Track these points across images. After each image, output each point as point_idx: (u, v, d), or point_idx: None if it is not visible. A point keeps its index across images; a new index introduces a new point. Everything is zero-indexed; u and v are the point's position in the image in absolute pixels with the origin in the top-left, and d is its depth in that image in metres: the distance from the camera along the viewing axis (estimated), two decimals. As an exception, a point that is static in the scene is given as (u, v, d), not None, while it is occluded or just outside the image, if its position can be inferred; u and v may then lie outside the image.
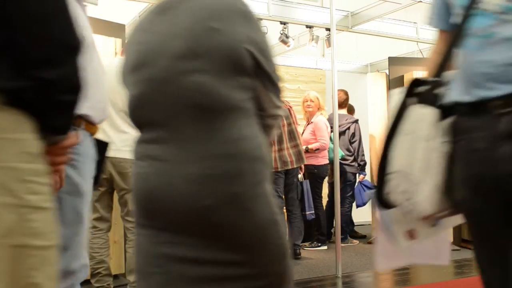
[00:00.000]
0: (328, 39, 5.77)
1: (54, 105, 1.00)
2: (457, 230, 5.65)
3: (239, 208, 1.35)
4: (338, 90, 6.13)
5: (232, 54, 1.35)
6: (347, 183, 6.15)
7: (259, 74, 1.41)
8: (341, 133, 5.99)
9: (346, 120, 6.20)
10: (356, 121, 6.28)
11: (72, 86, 1.02)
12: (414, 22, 6.49)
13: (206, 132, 1.35)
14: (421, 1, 5.51)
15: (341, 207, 5.94)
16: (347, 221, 6.26)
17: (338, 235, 4.46)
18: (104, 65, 1.88)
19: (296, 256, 5.14)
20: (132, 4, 5.35)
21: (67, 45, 0.99)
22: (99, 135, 3.25)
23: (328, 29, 5.69)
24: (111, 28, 4.15)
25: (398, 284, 4.19)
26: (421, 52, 6.77)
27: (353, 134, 6.21)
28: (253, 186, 1.37)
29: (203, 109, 1.35)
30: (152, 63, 1.39)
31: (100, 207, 3.33)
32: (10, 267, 0.90)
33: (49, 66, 0.96)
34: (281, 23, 5.83)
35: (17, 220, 0.91)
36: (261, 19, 5.70)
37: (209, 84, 1.34)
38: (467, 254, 5.28)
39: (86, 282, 3.72)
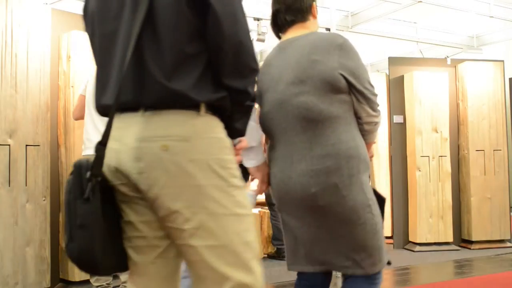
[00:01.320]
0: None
1: (241, 110, 1.33)
2: (457, 230, 5.65)
3: (338, 195, 1.80)
4: None
5: (329, 79, 1.79)
6: None
7: (353, 91, 1.84)
8: None
9: None
10: None
11: (253, 97, 1.33)
12: (414, 22, 6.49)
13: (312, 138, 1.82)
14: (421, 1, 5.51)
15: None
16: None
17: (338, 235, 4.47)
18: None
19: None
20: (132, 4, 5.37)
21: (253, 67, 1.31)
22: (93, 135, 3.28)
23: (328, 29, 5.70)
24: (111, 28, 4.16)
25: (398, 284, 4.18)
26: (421, 52, 6.76)
27: None
28: (348, 178, 1.80)
29: (309, 121, 1.82)
30: (274, 88, 1.89)
31: None
32: (232, 231, 1.25)
33: (243, 80, 1.29)
34: (281, 23, 5.84)
35: (227, 196, 1.24)
36: (261, 19, 5.70)
37: (312, 102, 1.81)
38: (467, 254, 5.28)
39: (85, 281, 3.72)
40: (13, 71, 3.46)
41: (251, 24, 5.81)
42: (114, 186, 1.29)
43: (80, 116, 3.44)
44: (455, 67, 5.78)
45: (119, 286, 3.35)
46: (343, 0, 6.02)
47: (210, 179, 1.22)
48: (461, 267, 4.71)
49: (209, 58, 1.25)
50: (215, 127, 1.27)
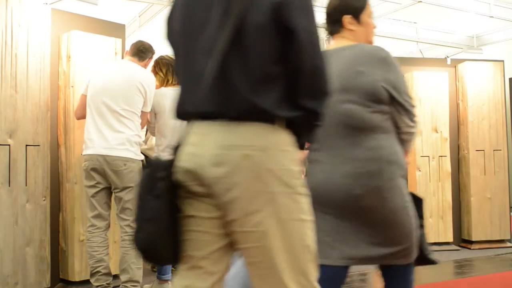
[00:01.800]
0: (328, 39, 5.78)
1: (308, 128, 1.45)
2: (457, 230, 5.65)
3: (379, 197, 1.94)
4: None
5: (372, 90, 1.91)
6: None
7: (393, 103, 1.99)
8: None
9: None
10: None
11: (322, 117, 1.44)
12: (414, 22, 6.49)
13: (355, 143, 1.94)
14: (421, 1, 5.51)
15: None
16: None
17: (338, 235, 4.46)
18: None
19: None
20: (132, 4, 5.36)
21: (326, 91, 1.41)
22: (94, 134, 3.28)
23: (328, 29, 5.70)
24: (111, 28, 4.16)
25: (398, 284, 4.18)
26: (421, 52, 6.76)
27: None
28: (389, 181, 1.95)
29: (352, 127, 1.95)
30: None
31: (98, 204, 3.34)
32: (295, 235, 1.36)
33: (316, 102, 1.40)
34: (281, 23, 5.84)
35: (294, 203, 1.37)
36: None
37: (355, 110, 1.95)
38: (467, 254, 5.28)
39: (85, 281, 3.72)
40: (13, 71, 3.46)
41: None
42: (182, 184, 1.40)
43: (82, 116, 3.45)
44: (455, 67, 5.78)
45: (119, 286, 3.35)
46: (343, 0, 6.01)
47: (281, 187, 1.35)
48: (461, 267, 4.71)
49: (288, 80, 1.37)
50: (288, 141, 1.40)
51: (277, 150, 1.36)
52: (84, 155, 3.37)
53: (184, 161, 1.38)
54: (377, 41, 6.99)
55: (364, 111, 1.95)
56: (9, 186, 3.39)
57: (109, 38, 4.00)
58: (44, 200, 3.63)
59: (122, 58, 4.10)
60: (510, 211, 5.80)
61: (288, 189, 1.36)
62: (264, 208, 1.33)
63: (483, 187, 5.61)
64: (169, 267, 3.73)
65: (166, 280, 3.70)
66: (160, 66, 3.72)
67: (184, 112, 1.46)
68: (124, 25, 4.40)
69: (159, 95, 3.63)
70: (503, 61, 5.80)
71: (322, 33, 5.19)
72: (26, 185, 3.49)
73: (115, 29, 4.18)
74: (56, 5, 4.16)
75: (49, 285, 3.63)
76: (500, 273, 4.39)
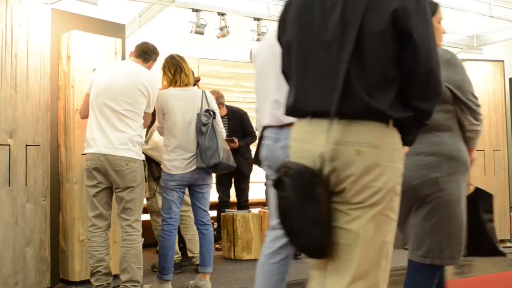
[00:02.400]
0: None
1: (418, 126, 1.53)
2: (457, 230, 5.65)
3: (436, 188, 2.09)
4: None
5: None
6: None
7: (457, 102, 2.14)
8: None
9: None
10: None
11: (431, 116, 1.52)
12: (414, 22, 6.48)
13: (418, 139, 1.86)
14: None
15: None
16: None
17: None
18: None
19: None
20: (132, 4, 5.36)
21: (438, 91, 1.50)
22: (97, 134, 3.28)
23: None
24: (111, 28, 4.16)
25: (398, 284, 4.18)
26: (421, 52, 6.75)
27: None
28: (448, 175, 2.09)
29: None
30: None
31: (99, 204, 3.34)
32: (381, 230, 1.47)
33: (429, 103, 1.49)
34: (281, 23, 5.84)
35: (391, 200, 1.47)
36: (261, 19, 5.71)
37: None
38: (467, 254, 5.27)
39: (85, 281, 3.72)
40: (13, 71, 3.46)
41: (251, 24, 5.81)
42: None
43: (86, 115, 3.45)
44: (455, 67, 5.77)
45: (119, 286, 3.35)
46: (343, 0, 6.01)
47: (386, 183, 1.46)
48: (461, 267, 4.71)
49: (401, 82, 1.47)
50: (397, 139, 1.50)
51: (387, 148, 1.46)
52: (86, 154, 3.36)
53: (303, 157, 1.49)
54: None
55: None
56: (9, 186, 3.39)
57: (109, 38, 4.00)
58: (44, 200, 3.63)
59: (122, 58, 4.11)
60: (510, 211, 5.79)
61: (391, 185, 1.47)
62: (368, 201, 1.45)
63: (483, 187, 5.55)
64: (171, 268, 3.73)
65: (167, 280, 3.70)
66: (169, 66, 3.72)
67: (299, 109, 1.57)
68: (124, 25, 4.40)
69: (167, 95, 3.65)
70: (503, 61, 5.80)
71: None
72: (26, 185, 3.49)
73: (115, 29, 4.18)
74: (56, 5, 4.16)
75: (49, 285, 3.63)
76: (500, 273, 4.39)
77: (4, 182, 3.36)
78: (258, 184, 6.13)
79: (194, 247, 4.44)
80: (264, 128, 2.46)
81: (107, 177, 3.30)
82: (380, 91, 1.44)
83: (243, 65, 7.36)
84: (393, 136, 1.48)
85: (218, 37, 5.66)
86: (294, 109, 1.59)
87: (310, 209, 1.44)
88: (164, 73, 3.74)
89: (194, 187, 3.74)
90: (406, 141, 1.55)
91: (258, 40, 5.83)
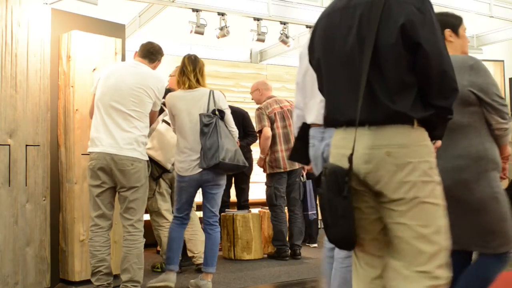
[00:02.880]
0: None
1: (442, 122, 1.71)
2: (457, 230, 5.64)
3: (466, 188, 2.26)
4: None
5: (460, 95, 1.95)
6: None
7: (483, 103, 2.30)
8: None
9: None
10: None
11: (452, 111, 1.69)
12: (414, 22, 6.48)
13: (447, 141, 2.17)
14: (421, 1, 5.50)
15: None
16: None
17: (338, 235, 4.46)
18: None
19: (296, 256, 5.14)
20: (132, 4, 5.35)
21: (454, 88, 1.67)
22: (103, 133, 3.28)
23: (328, 29, 5.69)
24: (111, 28, 4.16)
25: (398, 284, 4.18)
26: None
27: None
28: (476, 175, 2.26)
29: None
30: None
31: (102, 204, 3.34)
32: (432, 216, 1.64)
33: (447, 100, 1.66)
34: (281, 23, 5.83)
35: (430, 189, 1.64)
36: (261, 19, 5.71)
37: None
38: (467, 254, 5.27)
39: (85, 281, 3.72)
40: (13, 71, 3.46)
41: (251, 24, 5.81)
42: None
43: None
44: (455, 67, 5.77)
45: (119, 286, 3.35)
46: (343, 0, 6.01)
47: (420, 176, 1.63)
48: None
49: (419, 85, 1.65)
50: (424, 136, 1.67)
51: (415, 146, 1.64)
52: (90, 152, 3.35)
53: (341, 162, 1.67)
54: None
55: (455, 114, 2.15)
56: (9, 186, 3.39)
57: (109, 38, 4.00)
58: (44, 200, 3.63)
59: (123, 58, 4.11)
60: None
61: (426, 177, 1.64)
62: (406, 194, 1.62)
63: None
64: (175, 258, 3.82)
65: (171, 270, 3.80)
66: (179, 68, 3.80)
67: (334, 119, 1.79)
68: (124, 25, 4.40)
69: (174, 98, 3.73)
70: (503, 61, 5.80)
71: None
72: (26, 185, 3.50)
73: (115, 29, 4.18)
74: (56, 5, 4.16)
75: (49, 285, 3.63)
76: (500, 273, 4.37)
77: (4, 182, 3.36)
78: (258, 184, 6.13)
79: (194, 247, 4.44)
80: (306, 126, 2.63)
81: (111, 177, 3.30)
82: (400, 96, 1.62)
83: (243, 65, 7.36)
84: (419, 134, 1.66)
85: (218, 37, 5.66)
86: (330, 119, 1.82)
87: (340, 205, 1.63)
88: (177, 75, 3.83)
89: (205, 187, 3.76)
90: (435, 136, 1.73)
91: (258, 40, 5.83)
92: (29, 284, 3.48)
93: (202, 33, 5.44)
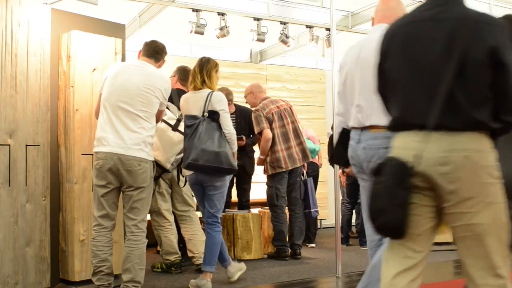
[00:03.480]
0: (328, 39, 5.77)
1: (503, 135, 1.91)
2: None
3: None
4: None
5: None
6: None
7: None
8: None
9: None
10: None
11: None
12: (414, 22, 6.48)
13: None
14: (421, 1, 5.50)
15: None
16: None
17: (338, 235, 4.46)
18: None
19: (296, 256, 5.14)
20: (132, 4, 5.35)
21: None
22: (110, 133, 3.28)
23: (328, 29, 5.69)
24: (111, 28, 4.16)
25: (398, 284, 4.18)
26: (421, 52, 6.75)
27: None
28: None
29: None
30: None
31: (107, 204, 3.33)
32: (499, 214, 1.83)
33: None
34: (281, 23, 5.83)
35: (498, 190, 1.84)
36: (261, 19, 5.70)
37: None
38: (467, 254, 5.27)
39: (85, 281, 3.72)
40: (13, 71, 3.46)
41: (251, 24, 5.81)
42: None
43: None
44: (455, 67, 5.76)
45: (119, 286, 3.35)
46: (343, 0, 6.02)
47: (490, 179, 1.82)
48: (461, 267, 4.71)
49: (494, 100, 1.83)
50: (491, 144, 1.86)
51: (486, 152, 1.83)
52: (96, 152, 3.34)
53: (413, 163, 1.83)
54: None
55: None
56: (9, 186, 3.39)
57: (109, 38, 4.00)
58: (44, 200, 3.63)
59: (123, 58, 4.11)
60: (510, 211, 5.79)
61: (494, 180, 1.83)
62: (477, 195, 1.80)
63: None
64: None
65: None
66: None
67: (407, 123, 1.91)
68: (124, 25, 4.40)
69: (183, 99, 3.91)
70: (503, 61, 5.79)
71: (322, 33, 5.17)
72: (26, 185, 3.50)
73: (115, 29, 4.18)
74: (56, 5, 4.16)
75: (49, 285, 3.63)
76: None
77: (4, 182, 3.36)
78: (258, 184, 6.13)
79: (194, 247, 4.44)
80: (346, 132, 2.78)
81: (118, 177, 3.29)
82: (480, 107, 1.82)
83: (243, 65, 7.36)
84: (489, 142, 1.86)
85: (218, 37, 5.65)
86: (401, 122, 1.95)
87: (399, 194, 1.82)
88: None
89: (204, 188, 3.83)
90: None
91: (258, 40, 5.83)
92: (29, 284, 3.48)
93: (202, 33, 5.44)
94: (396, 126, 1.98)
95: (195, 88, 3.79)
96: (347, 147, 2.69)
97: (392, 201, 1.82)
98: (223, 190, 3.84)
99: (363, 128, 2.57)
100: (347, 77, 2.71)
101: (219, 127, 3.70)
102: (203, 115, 3.69)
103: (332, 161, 2.97)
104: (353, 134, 2.67)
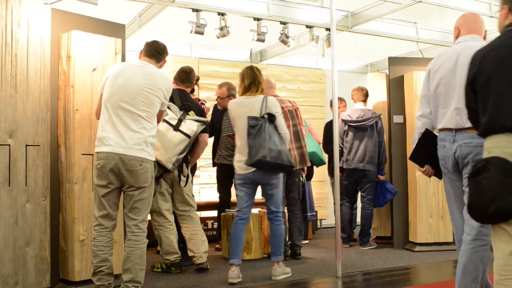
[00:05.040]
0: (328, 39, 5.77)
1: None
2: (457, 230, 5.65)
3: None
4: (359, 87, 6.04)
5: None
6: (372, 183, 5.86)
7: None
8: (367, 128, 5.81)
9: (372, 114, 5.88)
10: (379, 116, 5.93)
11: None
12: (414, 22, 6.48)
13: None
14: (421, 1, 5.50)
15: (366, 209, 5.91)
16: (370, 223, 5.96)
17: (338, 235, 4.46)
18: None
19: (296, 256, 5.14)
20: (132, 4, 5.35)
21: None
22: (112, 133, 3.27)
23: (328, 29, 5.69)
24: (111, 28, 4.16)
25: (398, 284, 4.18)
26: (421, 52, 6.76)
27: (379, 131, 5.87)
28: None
29: None
30: None
31: (107, 204, 3.33)
32: None
33: None
34: (281, 23, 5.82)
35: None
36: (261, 19, 5.70)
37: None
38: (467, 254, 5.27)
39: (85, 281, 3.72)
40: (13, 71, 3.46)
41: (251, 24, 5.81)
42: None
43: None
44: (455, 67, 5.76)
45: (119, 286, 3.35)
46: (343, 0, 6.01)
47: None
48: (461, 267, 4.71)
49: None
50: None
51: None
52: (98, 152, 3.33)
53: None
54: (377, 41, 6.96)
55: None
56: (9, 186, 3.39)
57: (109, 38, 4.00)
58: (44, 200, 3.63)
59: (123, 58, 4.11)
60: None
61: None
62: None
63: None
64: (236, 252, 4.17)
65: (232, 264, 4.15)
66: (241, 77, 4.27)
67: (503, 126, 2.16)
68: (124, 25, 4.40)
69: (232, 103, 4.37)
70: (503, 61, 5.78)
71: (322, 33, 5.19)
72: (26, 185, 3.50)
73: (115, 29, 4.18)
74: (56, 5, 4.16)
75: (49, 285, 3.63)
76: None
77: (4, 182, 3.36)
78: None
79: (194, 247, 4.44)
80: (429, 132, 2.99)
81: (119, 177, 3.29)
82: None
83: (243, 65, 7.30)
84: None
85: (218, 37, 5.65)
86: (496, 126, 2.19)
87: (508, 184, 2.08)
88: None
89: (262, 186, 4.27)
90: None
91: (258, 40, 5.83)
92: (29, 284, 3.48)
93: (202, 33, 5.44)
94: (489, 129, 2.22)
95: (249, 94, 4.17)
96: (427, 147, 2.96)
97: (504, 190, 2.08)
98: (280, 186, 4.29)
99: (458, 130, 2.82)
100: (440, 82, 2.93)
101: (275, 128, 4.10)
102: (262, 117, 4.04)
103: (411, 158, 3.15)
104: (444, 135, 2.88)
